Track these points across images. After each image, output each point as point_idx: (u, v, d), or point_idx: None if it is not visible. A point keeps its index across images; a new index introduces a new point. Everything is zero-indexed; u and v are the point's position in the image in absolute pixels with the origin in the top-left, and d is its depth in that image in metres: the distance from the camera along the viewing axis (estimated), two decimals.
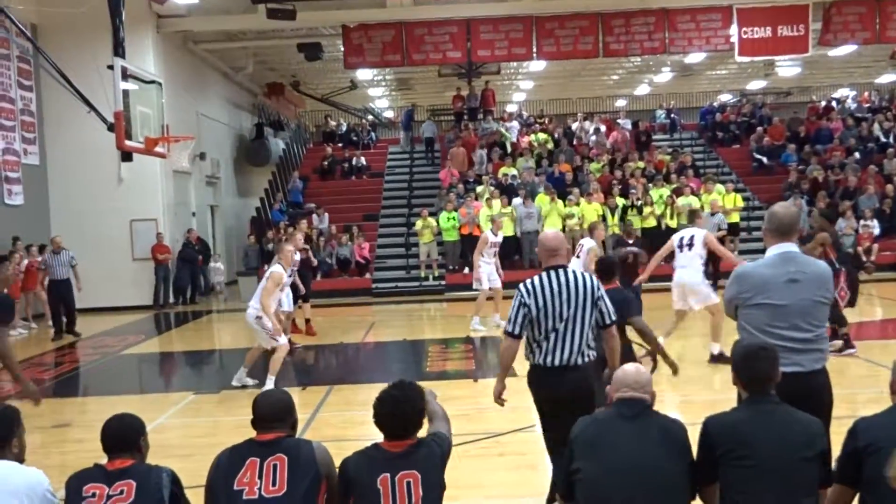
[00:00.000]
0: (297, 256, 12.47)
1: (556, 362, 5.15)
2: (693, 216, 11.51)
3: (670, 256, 11.05)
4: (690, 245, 10.56)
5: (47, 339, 15.92)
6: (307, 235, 16.43)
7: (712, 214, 18.56)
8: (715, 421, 3.85)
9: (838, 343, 10.66)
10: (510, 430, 7.56)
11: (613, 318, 5.29)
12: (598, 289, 5.24)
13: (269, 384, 9.56)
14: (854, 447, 3.64)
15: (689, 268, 10.56)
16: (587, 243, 12.03)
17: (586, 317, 5.16)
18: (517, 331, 5.19)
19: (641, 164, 22.86)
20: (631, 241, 14.61)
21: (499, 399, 5.51)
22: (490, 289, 14.38)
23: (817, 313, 4.58)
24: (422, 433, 3.92)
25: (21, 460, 3.75)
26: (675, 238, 10.87)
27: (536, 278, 5.23)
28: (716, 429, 3.79)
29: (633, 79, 34.36)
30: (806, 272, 4.59)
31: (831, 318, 10.67)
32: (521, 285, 5.26)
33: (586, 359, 5.22)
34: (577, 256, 11.94)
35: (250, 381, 10.11)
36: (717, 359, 10.34)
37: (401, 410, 3.80)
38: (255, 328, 10.12)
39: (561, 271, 5.22)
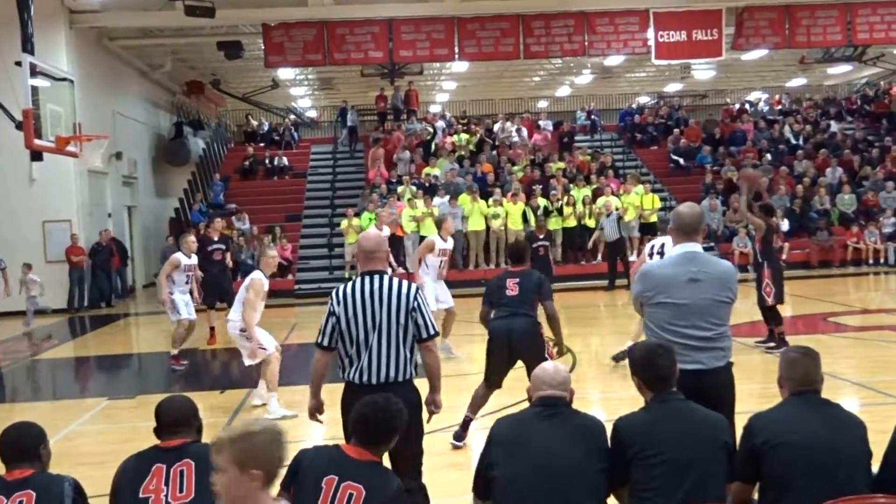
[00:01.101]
0: (194, 260, 11.99)
1: (371, 379, 4.67)
2: (662, 225, 11.51)
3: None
4: (661, 253, 10.41)
5: None
6: (224, 234, 16.16)
7: (608, 215, 18.92)
8: (624, 422, 3.91)
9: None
10: (428, 430, 7.55)
11: (432, 331, 4.78)
12: (416, 298, 4.75)
13: (274, 403, 8.71)
14: (752, 444, 3.75)
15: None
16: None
17: (399, 327, 4.69)
18: (326, 342, 4.76)
19: (562, 165, 23.15)
20: (542, 237, 14.97)
21: (314, 416, 4.97)
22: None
23: (718, 312, 4.66)
24: None
25: None
26: (647, 247, 10.80)
27: (350, 284, 4.83)
28: (626, 430, 3.86)
29: (555, 80, 34.75)
30: (708, 272, 4.67)
31: (764, 318, 11.02)
32: (333, 292, 4.85)
33: (406, 375, 4.73)
34: None
35: (289, 412, 8.59)
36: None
37: (377, 417, 3.77)
38: (240, 342, 8.98)
39: (376, 277, 4.77)
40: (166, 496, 3.59)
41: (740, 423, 4.05)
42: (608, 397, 9.21)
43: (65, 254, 19.15)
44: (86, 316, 19.06)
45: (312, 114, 37.27)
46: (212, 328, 13.82)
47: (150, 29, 22.57)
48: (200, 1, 18.39)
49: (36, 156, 13.92)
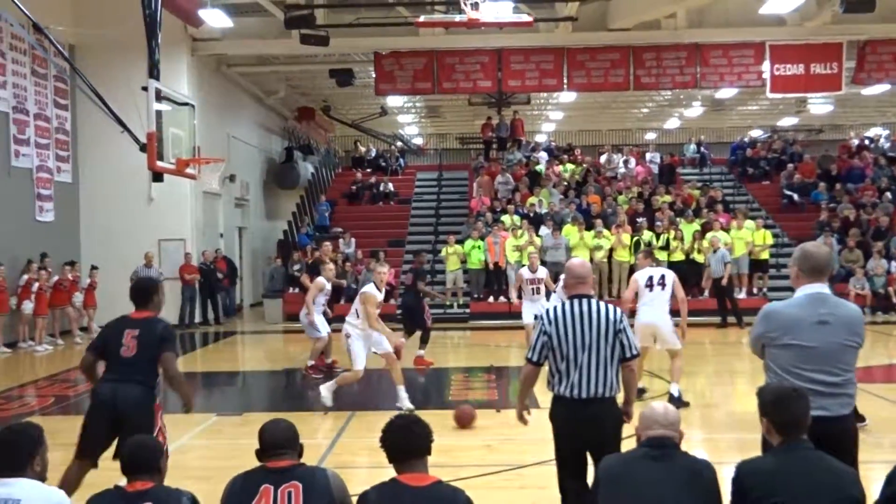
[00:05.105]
0: (329, 286, 12.88)
1: (580, 394, 5.04)
2: (650, 255, 11.06)
3: None
4: (663, 284, 10.07)
5: (73, 356, 16.00)
6: (332, 259, 16.52)
7: (715, 251, 18.34)
8: (748, 467, 3.77)
9: None
10: (533, 462, 7.48)
11: (634, 352, 5.19)
12: (621, 321, 5.14)
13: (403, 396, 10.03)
14: (892, 491, 3.57)
15: (661, 309, 10.06)
16: None
17: (607, 347, 5.06)
18: (536, 358, 5.16)
19: (669, 198, 22.73)
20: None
21: (521, 418, 5.46)
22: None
23: (846, 357, 4.48)
24: None
25: (43, 479, 3.74)
26: (641, 276, 10.22)
27: (559, 306, 5.22)
28: (749, 475, 3.72)
29: (664, 112, 34.33)
30: (836, 314, 4.49)
31: None
32: (544, 312, 5.28)
33: (612, 392, 5.10)
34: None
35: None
36: (675, 401, 9.67)
37: (411, 431, 3.77)
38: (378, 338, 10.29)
39: (584, 300, 5.16)
40: None
41: (863, 473, 3.86)
42: (713, 438, 8.92)
43: (178, 271, 19.83)
44: (196, 332, 19.67)
45: (419, 141, 37.75)
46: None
47: (265, 56, 23.36)
48: (315, 30, 18.91)
49: (157, 177, 14.46)
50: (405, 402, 9.79)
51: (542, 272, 13.81)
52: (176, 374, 5.90)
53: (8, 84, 17.26)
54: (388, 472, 3.81)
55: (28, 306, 16.48)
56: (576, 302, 5.16)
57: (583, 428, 5.03)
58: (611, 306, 5.24)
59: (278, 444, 3.89)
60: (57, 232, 18.85)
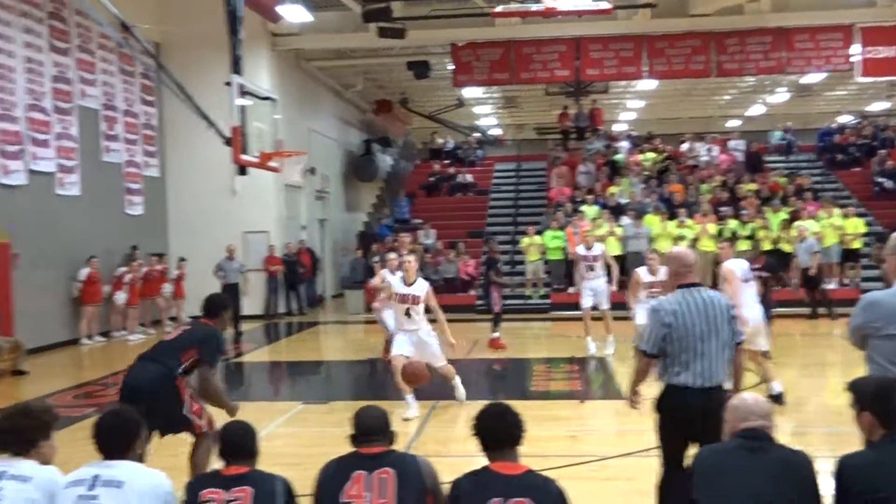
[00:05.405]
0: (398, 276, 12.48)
1: (705, 383, 5.01)
2: (735, 244, 10.29)
3: None
4: (752, 277, 9.50)
5: None
6: (412, 249, 16.56)
7: (801, 241, 17.75)
8: (850, 460, 3.65)
9: None
10: (618, 453, 7.40)
11: (744, 335, 5.29)
12: (732, 308, 5.21)
13: (459, 385, 9.84)
14: None
15: (756, 305, 9.31)
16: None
17: (725, 334, 5.08)
18: (655, 350, 5.09)
19: (754, 187, 22.17)
20: (756, 266, 13.18)
21: (634, 405, 5.42)
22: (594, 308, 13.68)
23: None
24: None
25: (143, 461, 3.86)
26: (738, 269, 9.29)
27: (673, 297, 5.18)
28: (850, 469, 3.61)
29: (747, 99, 33.51)
30: None
31: None
32: (659, 304, 5.21)
33: (725, 378, 5.13)
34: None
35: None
36: (776, 397, 9.11)
37: (504, 419, 3.78)
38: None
39: (696, 290, 5.15)
40: (368, 502, 3.67)
41: None
42: (805, 431, 8.69)
43: (263, 263, 20.22)
44: (280, 322, 20.03)
45: (496, 132, 37.62)
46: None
47: (343, 50, 23.56)
48: (392, 23, 19.00)
49: (241, 170, 14.75)
50: (459, 390, 9.84)
51: (598, 249, 13.90)
52: (210, 388, 5.98)
53: (98, 82, 17.81)
54: (475, 462, 3.81)
55: (121, 297, 17.05)
56: (690, 291, 5.15)
57: (702, 416, 4.92)
58: (718, 293, 5.30)
59: (371, 430, 3.94)
60: (145, 225, 19.40)
